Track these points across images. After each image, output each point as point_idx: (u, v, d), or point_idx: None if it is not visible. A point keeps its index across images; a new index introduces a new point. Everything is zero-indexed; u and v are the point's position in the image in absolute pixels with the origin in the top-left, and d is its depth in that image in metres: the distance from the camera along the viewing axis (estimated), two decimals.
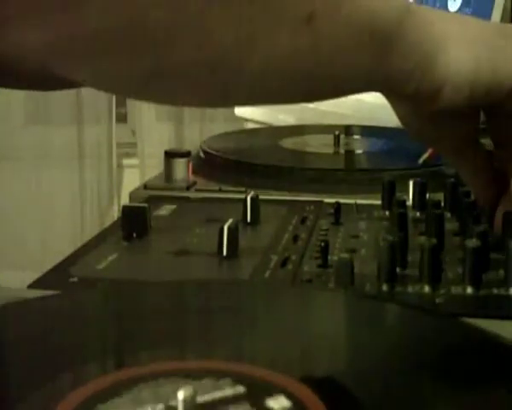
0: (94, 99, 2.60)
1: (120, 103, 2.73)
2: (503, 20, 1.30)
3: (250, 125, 1.44)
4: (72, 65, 0.45)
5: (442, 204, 0.67)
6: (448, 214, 0.68)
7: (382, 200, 0.72)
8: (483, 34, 0.55)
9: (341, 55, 0.51)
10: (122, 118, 2.82)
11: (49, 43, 0.43)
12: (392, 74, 0.53)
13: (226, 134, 1.12)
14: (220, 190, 0.80)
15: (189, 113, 2.64)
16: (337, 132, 0.99)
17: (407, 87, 0.54)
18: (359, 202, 0.74)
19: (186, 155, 0.85)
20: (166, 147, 0.92)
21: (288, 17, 0.47)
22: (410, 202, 0.70)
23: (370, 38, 0.51)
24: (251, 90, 0.50)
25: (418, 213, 0.70)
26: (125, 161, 2.77)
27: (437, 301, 0.52)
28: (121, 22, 0.43)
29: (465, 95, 0.54)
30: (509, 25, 0.59)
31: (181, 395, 0.34)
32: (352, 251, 0.60)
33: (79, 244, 0.64)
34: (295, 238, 0.64)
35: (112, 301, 0.51)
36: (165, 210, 0.73)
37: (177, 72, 0.47)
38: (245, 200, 0.69)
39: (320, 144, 1.00)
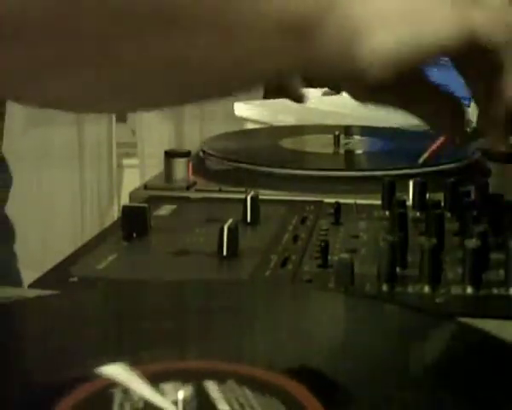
0: None
1: None
2: None
3: (250, 126, 1.44)
4: None
5: (442, 204, 0.67)
6: (448, 214, 0.68)
7: (382, 200, 0.72)
8: (404, 6, 0.55)
9: (260, 45, 0.52)
10: (122, 118, 2.82)
11: None
12: (315, 61, 0.54)
13: (226, 134, 1.12)
14: (220, 190, 0.80)
15: (189, 112, 2.64)
16: (337, 132, 0.99)
17: (331, 73, 0.56)
18: (359, 202, 0.74)
19: (186, 155, 0.85)
20: (166, 147, 0.93)
21: (201, 20, 0.49)
22: (409, 202, 0.70)
23: (288, 28, 0.52)
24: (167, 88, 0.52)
25: (418, 213, 0.70)
26: (125, 161, 2.78)
27: (437, 301, 0.52)
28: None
29: (391, 72, 0.54)
30: None
31: (181, 394, 0.34)
32: (352, 251, 0.60)
33: (79, 244, 0.64)
34: (295, 238, 0.64)
35: (112, 301, 0.51)
36: (165, 210, 0.73)
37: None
38: (245, 200, 0.69)
39: (320, 144, 1.00)
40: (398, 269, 0.55)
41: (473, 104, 1.19)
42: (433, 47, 0.55)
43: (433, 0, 0.56)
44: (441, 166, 0.85)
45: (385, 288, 0.54)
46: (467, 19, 0.55)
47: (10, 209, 0.96)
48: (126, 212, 0.65)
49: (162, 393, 0.37)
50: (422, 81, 0.64)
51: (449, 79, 1.35)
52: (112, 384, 0.38)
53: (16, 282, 0.88)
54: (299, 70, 0.57)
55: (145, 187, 0.82)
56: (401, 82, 0.58)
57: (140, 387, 0.37)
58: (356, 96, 0.63)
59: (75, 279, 0.56)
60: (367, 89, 0.61)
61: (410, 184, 0.72)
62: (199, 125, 2.66)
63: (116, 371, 0.38)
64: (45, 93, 0.51)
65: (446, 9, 0.56)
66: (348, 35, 0.54)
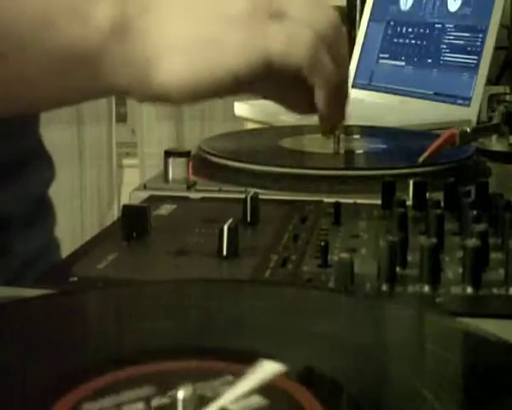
0: None
1: (120, 103, 2.74)
2: (503, 19, 1.30)
3: (250, 125, 1.44)
4: None
5: (442, 204, 0.67)
6: (448, 214, 0.68)
7: (382, 200, 0.72)
8: (201, 32, 0.56)
9: (47, 78, 0.56)
10: (122, 118, 2.83)
11: None
12: (111, 88, 0.57)
13: (226, 134, 1.12)
14: (220, 190, 0.80)
15: (188, 112, 2.64)
16: (337, 132, 0.99)
17: (132, 96, 0.58)
18: (359, 201, 0.74)
19: (186, 154, 0.85)
20: (166, 147, 0.92)
21: None
22: (409, 202, 0.70)
23: (74, 62, 0.55)
24: None
25: (418, 213, 0.70)
26: (125, 161, 2.78)
27: (437, 300, 0.52)
28: None
29: (191, 96, 0.56)
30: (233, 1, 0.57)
31: (181, 394, 0.34)
32: (352, 251, 0.60)
33: (79, 244, 0.64)
34: (295, 238, 0.64)
35: (112, 301, 0.51)
36: (165, 210, 0.73)
37: None
38: (245, 200, 0.69)
39: (320, 144, 1.00)
40: (398, 269, 0.55)
41: (473, 103, 1.19)
42: (227, 75, 0.56)
43: (226, 26, 0.56)
44: (441, 166, 0.85)
45: (385, 287, 0.54)
46: (260, 44, 0.55)
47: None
48: (126, 212, 0.65)
49: (161, 393, 0.37)
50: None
51: (449, 79, 1.35)
52: (111, 384, 0.38)
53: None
54: (102, 95, 0.60)
55: (145, 187, 0.82)
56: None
57: None
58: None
59: (75, 279, 0.56)
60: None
61: (410, 183, 0.72)
62: (199, 125, 2.66)
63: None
64: None
65: (239, 36, 0.56)
66: (142, 63, 0.55)
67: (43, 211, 0.90)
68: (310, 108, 0.65)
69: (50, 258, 0.86)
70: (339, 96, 0.62)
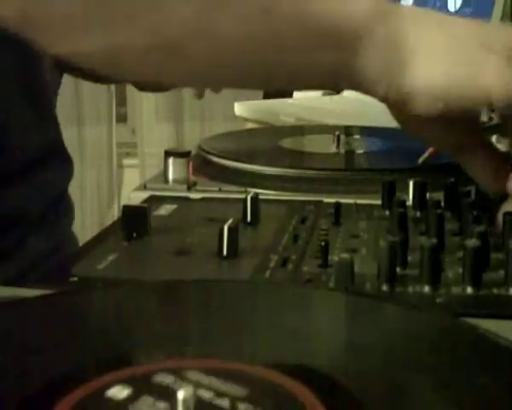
0: (94, 99, 2.60)
1: (120, 103, 2.74)
2: (503, 19, 1.30)
3: (250, 125, 1.44)
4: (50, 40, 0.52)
5: (442, 204, 0.67)
6: (448, 214, 0.68)
7: (382, 200, 0.72)
8: (463, 47, 0.55)
9: (300, 49, 0.53)
10: (122, 118, 2.83)
11: (29, 16, 0.50)
12: (357, 77, 0.55)
13: (226, 134, 1.12)
14: (220, 190, 0.80)
15: (188, 112, 2.64)
16: (337, 132, 0.99)
17: (373, 91, 0.56)
18: (359, 201, 0.74)
19: (186, 154, 0.85)
20: (166, 147, 0.92)
21: (244, 6, 0.51)
22: (410, 202, 0.70)
23: (331, 38, 0.53)
24: (208, 71, 0.55)
25: (418, 213, 0.70)
26: (125, 161, 2.78)
27: (437, 300, 0.52)
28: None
29: (438, 107, 0.55)
30: (498, 34, 0.57)
31: (181, 394, 0.34)
32: (353, 251, 0.60)
33: (79, 244, 0.64)
34: (295, 238, 0.64)
35: (112, 301, 0.51)
36: (165, 210, 0.73)
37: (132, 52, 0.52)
38: (245, 200, 0.69)
39: (320, 144, 1.00)
40: (398, 269, 0.55)
41: None
42: (482, 94, 0.55)
43: (487, 51, 0.55)
44: (441, 166, 0.85)
45: (385, 288, 0.54)
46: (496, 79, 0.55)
47: None
48: (126, 212, 0.65)
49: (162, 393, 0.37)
50: (474, 131, 0.63)
51: None
52: (111, 384, 0.38)
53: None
54: (342, 83, 0.57)
55: (145, 187, 0.82)
56: (452, 123, 0.58)
57: None
58: (401, 122, 0.62)
59: (75, 279, 0.56)
60: (414, 118, 0.59)
61: (410, 183, 0.72)
62: (199, 125, 2.66)
63: None
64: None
65: (500, 64, 0.55)
66: (399, 58, 0.54)
67: (64, 207, 0.92)
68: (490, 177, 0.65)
69: (67, 252, 0.88)
70: None
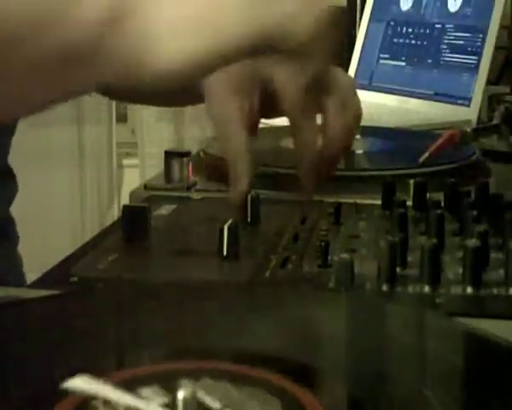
0: (94, 99, 2.59)
1: (120, 103, 2.73)
2: (503, 19, 1.30)
3: None
4: None
5: (442, 204, 0.67)
6: (448, 214, 0.68)
7: (382, 200, 0.72)
8: (197, 11, 0.55)
9: (44, 76, 0.55)
10: (122, 118, 2.82)
11: None
12: (110, 76, 0.56)
13: None
14: (220, 190, 0.80)
15: (188, 112, 2.64)
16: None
17: (132, 80, 0.56)
18: (359, 201, 0.74)
19: (186, 154, 0.85)
20: (166, 147, 0.92)
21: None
22: (410, 202, 0.70)
23: (73, 57, 0.54)
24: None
25: (418, 214, 0.70)
26: (126, 161, 2.77)
27: (437, 300, 0.52)
28: None
29: (196, 66, 0.55)
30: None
31: (181, 394, 0.34)
32: (353, 251, 0.60)
33: (80, 244, 0.64)
34: (295, 238, 0.64)
35: (112, 301, 0.51)
36: (165, 210, 0.73)
37: None
38: (245, 200, 0.68)
39: None
40: (398, 269, 0.55)
41: (473, 103, 1.19)
42: (228, 49, 0.55)
43: (228, 4, 0.55)
44: (441, 167, 0.85)
45: (385, 288, 0.54)
46: (262, 18, 0.55)
47: (10, 209, 0.96)
48: (126, 212, 0.65)
49: (161, 393, 0.37)
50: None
51: (449, 79, 1.35)
52: (112, 384, 0.38)
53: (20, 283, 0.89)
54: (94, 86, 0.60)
55: (145, 187, 0.82)
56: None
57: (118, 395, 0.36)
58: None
59: (75, 279, 0.56)
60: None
61: (411, 184, 0.72)
62: (199, 125, 2.66)
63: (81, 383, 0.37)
64: None
65: (242, 12, 0.55)
66: (141, 45, 0.54)
67: (7, 231, 0.90)
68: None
69: (12, 276, 0.87)
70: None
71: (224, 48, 0.55)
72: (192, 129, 2.66)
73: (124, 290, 0.53)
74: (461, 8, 1.35)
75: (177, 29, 0.55)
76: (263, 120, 1.36)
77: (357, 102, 0.75)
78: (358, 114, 0.76)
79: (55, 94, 0.58)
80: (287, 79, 0.69)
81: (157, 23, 0.55)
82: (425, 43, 1.39)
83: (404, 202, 0.67)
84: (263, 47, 0.56)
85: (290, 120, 0.70)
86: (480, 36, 1.29)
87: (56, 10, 0.55)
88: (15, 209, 0.97)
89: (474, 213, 0.62)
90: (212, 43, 0.55)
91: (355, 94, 0.76)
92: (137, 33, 0.55)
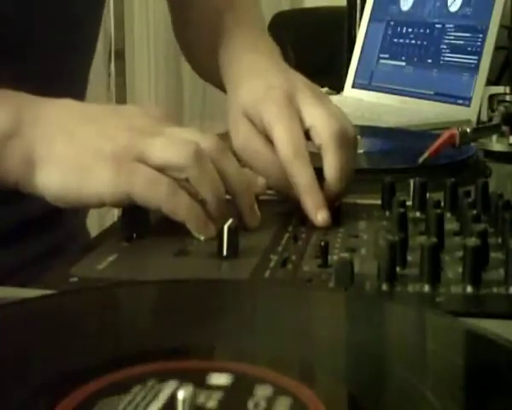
0: (94, 99, 2.59)
1: (120, 103, 2.73)
2: (503, 19, 1.30)
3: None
4: None
5: (442, 204, 0.67)
6: (448, 214, 0.68)
7: (382, 200, 0.72)
8: (77, 157, 0.64)
9: None
10: None
11: None
12: (3, 182, 0.66)
13: (226, 134, 1.12)
14: None
15: (188, 112, 2.64)
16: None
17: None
18: (359, 201, 0.74)
19: None
20: None
21: None
22: (410, 202, 0.70)
23: None
24: None
25: (418, 213, 0.70)
26: None
27: (437, 300, 0.52)
28: None
29: (62, 202, 0.64)
30: (108, 141, 0.64)
31: (181, 394, 0.34)
32: (352, 251, 0.60)
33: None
34: (295, 238, 0.64)
35: (111, 301, 0.51)
36: None
37: None
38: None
39: None
40: (398, 268, 0.55)
41: (473, 103, 1.19)
42: (92, 199, 0.63)
43: (98, 159, 0.63)
44: (441, 166, 0.85)
45: (385, 287, 0.54)
46: (124, 184, 0.62)
47: None
48: (126, 212, 0.65)
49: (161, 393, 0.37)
50: None
51: (449, 79, 1.35)
52: (110, 384, 0.38)
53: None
54: None
55: None
56: None
57: None
58: None
59: (75, 279, 0.56)
60: None
61: (411, 184, 0.72)
62: (199, 126, 2.66)
63: None
64: None
65: (108, 171, 0.63)
66: (27, 166, 0.64)
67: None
68: None
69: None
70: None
71: (88, 195, 0.63)
72: None
73: (123, 290, 0.53)
74: (461, 8, 1.35)
75: (55, 160, 0.64)
76: None
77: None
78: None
79: None
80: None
81: (42, 148, 0.64)
82: (425, 43, 1.39)
83: (404, 201, 0.67)
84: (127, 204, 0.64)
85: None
86: (480, 36, 1.29)
87: None
88: None
89: (474, 212, 0.62)
90: (77, 188, 0.63)
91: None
92: (20, 155, 0.64)
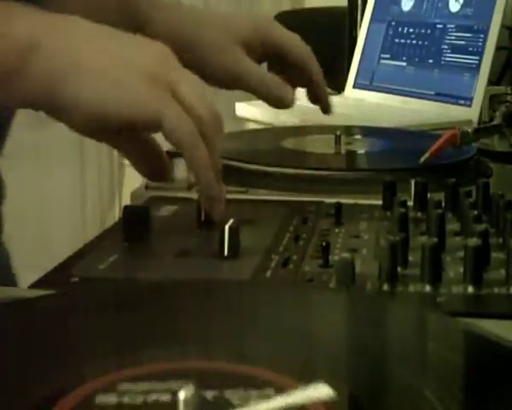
0: None
1: None
2: (504, 20, 1.30)
3: (251, 126, 1.44)
4: None
5: (443, 204, 0.67)
6: (449, 214, 0.68)
7: (383, 200, 0.72)
8: (110, 71, 0.61)
9: None
10: None
11: None
12: (18, 101, 0.63)
13: (228, 134, 1.12)
14: None
15: None
16: (338, 133, 0.99)
17: (36, 109, 0.63)
18: (360, 202, 0.74)
19: None
20: (167, 147, 0.92)
21: None
22: (411, 203, 0.70)
23: None
24: None
25: (419, 214, 0.70)
26: (127, 161, 2.77)
27: (438, 300, 0.52)
28: None
29: (88, 121, 0.61)
30: (159, 62, 0.63)
31: (181, 395, 0.34)
32: (353, 251, 0.60)
33: (80, 244, 0.64)
34: (296, 238, 0.64)
35: (112, 301, 0.51)
36: (166, 210, 0.73)
37: None
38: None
39: (321, 145, 1.00)
40: (399, 269, 0.55)
41: (475, 103, 1.19)
42: (126, 113, 0.61)
43: (131, 72, 0.61)
44: (442, 167, 0.85)
45: (386, 287, 0.54)
46: (162, 105, 0.61)
47: (11, 209, 0.96)
48: (127, 212, 0.65)
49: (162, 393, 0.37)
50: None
51: (450, 79, 1.35)
52: (110, 384, 0.38)
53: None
54: (7, 106, 0.68)
55: (146, 187, 0.82)
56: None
57: None
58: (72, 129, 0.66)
59: (76, 279, 0.56)
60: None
61: (412, 184, 0.72)
62: None
63: None
64: None
65: (142, 86, 0.61)
66: (52, 78, 0.60)
67: None
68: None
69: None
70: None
71: (124, 111, 0.61)
72: None
73: (124, 290, 0.53)
74: (462, 8, 1.35)
75: (89, 72, 0.61)
76: (263, 121, 1.36)
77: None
78: None
79: None
80: None
81: (62, 65, 0.61)
82: (426, 43, 1.39)
83: (405, 201, 0.67)
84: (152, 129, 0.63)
85: None
86: (482, 36, 1.29)
87: None
88: (16, 209, 0.97)
89: (475, 212, 0.62)
90: (115, 100, 0.60)
91: None
92: (46, 67, 0.61)
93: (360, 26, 1.56)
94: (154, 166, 0.69)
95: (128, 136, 0.66)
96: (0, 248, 0.93)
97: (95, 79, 0.60)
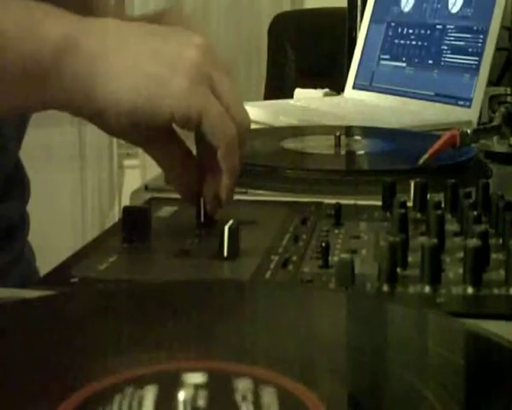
0: None
1: None
2: (503, 20, 1.30)
3: (251, 126, 1.44)
4: None
5: (443, 205, 0.67)
6: (449, 215, 0.68)
7: (383, 201, 0.72)
8: (148, 65, 0.61)
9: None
10: None
11: None
12: (51, 101, 0.62)
13: None
14: None
15: None
16: (338, 133, 0.99)
17: (69, 110, 0.64)
18: (360, 202, 0.74)
19: None
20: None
21: None
22: (410, 203, 0.70)
23: (24, 75, 0.61)
24: None
25: (419, 214, 0.70)
26: (126, 162, 2.78)
27: (437, 301, 0.52)
28: None
29: (125, 120, 0.61)
30: (182, 52, 0.62)
31: (181, 395, 0.34)
32: (353, 252, 0.60)
33: (80, 245, 0.64)
34: (296, 239, 0.64)
35: (112, 301, 0.51)
36: (165, 211, 0.73)
37: None
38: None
39: (321, 145, 1.00)
40: (398, 269, 0.55)
41: (474, 104, 1.19)
42: (165, 112, 0.60)
43: (172, 69, 0.61)
44: (442, 167, 0.85)
45: (385, 288, 0.54)
46: (205, 102, 0.61)
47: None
48: (127, 213, 0.65)
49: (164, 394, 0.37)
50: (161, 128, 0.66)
51: (450, 80, 1.35)
52: (112, 385, 0.38)
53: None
54: (39, 108, 0.65)
55: (146, 188, 0.82)
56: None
57: None
58: (105, 130, 0.67)
59: (76, 280, 0.56)
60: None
61: (411, 184, 0.72)
62: None
63: None
64: None
65: (184, 83, 0.61)
66: (88, 78, 0.61)
67: (23, 224, 0.91)
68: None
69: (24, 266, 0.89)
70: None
71: (160, 110, 0.60)
72: None
73: (123, 290, 0.53)
74: (461, 9, 1.35)
75: (123, 71, 0.61)
76: (263, 120, 1.36)
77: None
78: None
79: (4, 105, 0.64)
80: None
81: (100, 65, 0.61)
82: (426, 44, 1.39)
83: (405, 202, 0.67)
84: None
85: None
86: (481, 37, 1.29)
87: (23, 26, 0.61)
88: None
89: (475, 213, 0.62)
90: (149, 100, 0.60)
91: None
92: (82, 67, 0.61)
93: (360, 26, 1.56)
94: (185, 182, 0.68)
95: (163, 143, 0.66)
96: (25, 248, 0.93)
97: (133, 76, 0.61)
